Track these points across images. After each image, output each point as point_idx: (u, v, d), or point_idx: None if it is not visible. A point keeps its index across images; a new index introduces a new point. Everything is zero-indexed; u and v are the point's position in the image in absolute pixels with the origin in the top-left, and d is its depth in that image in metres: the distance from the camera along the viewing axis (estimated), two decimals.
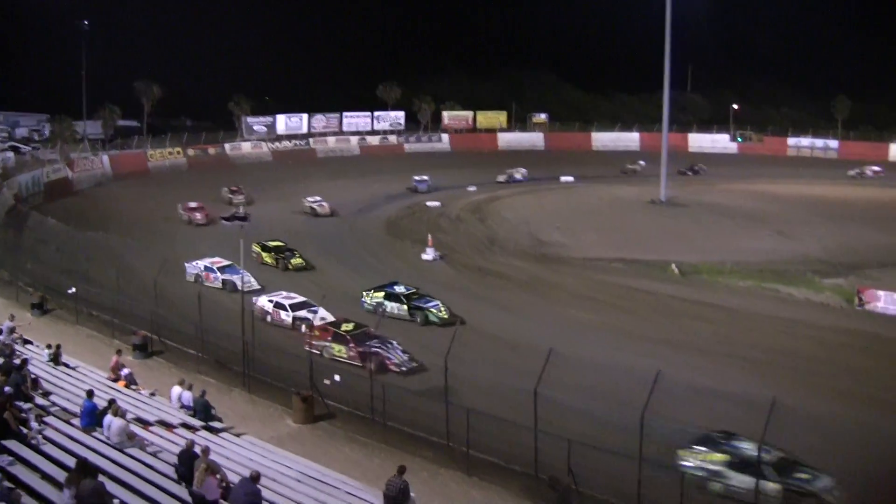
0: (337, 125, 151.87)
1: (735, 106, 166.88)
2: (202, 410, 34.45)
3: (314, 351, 44.39)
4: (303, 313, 51.80)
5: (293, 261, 67.98)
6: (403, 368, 44.24)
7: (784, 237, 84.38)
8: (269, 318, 52.45)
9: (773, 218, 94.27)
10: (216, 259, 63.19)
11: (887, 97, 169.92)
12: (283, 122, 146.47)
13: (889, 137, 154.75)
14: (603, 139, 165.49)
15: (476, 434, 35.04)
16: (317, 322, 49.13)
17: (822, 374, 45.71)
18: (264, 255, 69.27)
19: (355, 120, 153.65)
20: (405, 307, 54.26)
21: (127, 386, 36.77)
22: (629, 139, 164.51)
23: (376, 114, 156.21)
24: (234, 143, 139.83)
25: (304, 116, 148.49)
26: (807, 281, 65.74)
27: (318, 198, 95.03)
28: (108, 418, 27.29)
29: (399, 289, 55.89)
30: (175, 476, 24.78)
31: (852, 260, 73.12)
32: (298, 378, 40.50)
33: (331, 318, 49.80)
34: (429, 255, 71.60)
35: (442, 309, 53.82)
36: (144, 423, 30.73)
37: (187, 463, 24.54)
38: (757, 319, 56.08)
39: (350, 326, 47.43)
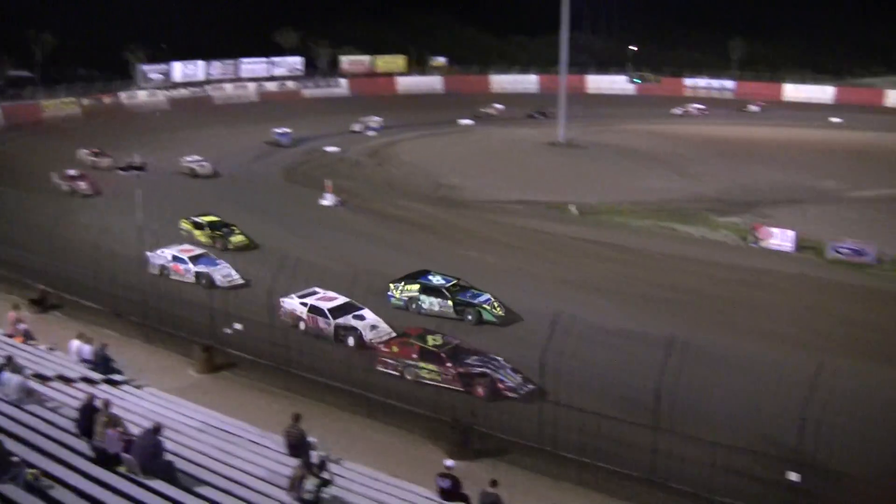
0: (234, 72, 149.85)
1: (633, 47, 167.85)
2: (102, 363, 34.01)
3: (391, 372, 38.15)
4: (347, 320, 42.25)
5: (233, 238, 57.92)
6: (521, 392, 35.84)
7: (680, 176, 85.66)
8: (302, 326, 43.33)
9: (669, 158, 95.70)
10: (186, 247, 53.72)
11: (780, 38, 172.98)
12: (179, 70, 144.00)
13: (782, 77, 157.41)
14: (502, 82, 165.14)
15: (378, 377, 35.28)
16: (367, 332, 41.41)
17: (719, 310, 46.89)
18: (197, 233, 58.98)
19: (253, 66, 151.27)
20: (450, 303, 45.37)
21: (24, 341, 36.15)
22: (528, 81, 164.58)
23: (274, 59, 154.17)
24: (130, 91, 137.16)
25: (201, 63, 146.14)
26: (703, 219, 67.16)
27: (197, 157, 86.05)
28: (6, 375, 26.83)
29: (437, 279, 46.83)
30: (76, 431, 24.52)
31: (746, 198, 74.83)
32: (199, 328, 40.26)
33: (383, 325, 42.22)
34: (327, 200, 70.96)
35: (496, 304, 45.06)
36: (43, 379, 30.24)
37: (88, 417, 24.27)
38: (655, 258, 57.16)
39: (438, 339, 38.49)
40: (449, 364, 36.77)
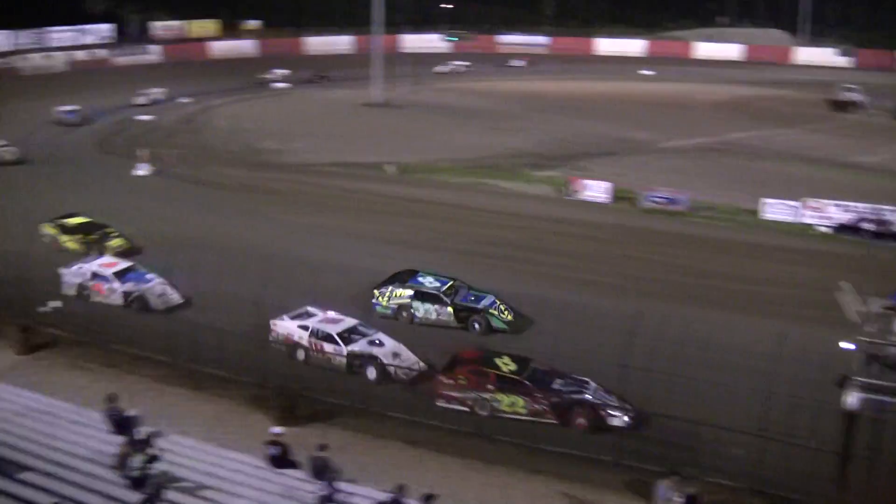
0: (42, 41, 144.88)
1: (447, 5, 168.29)
2: None
3: (459, 408, 32.21)
4: (363, 347, 35.64)
5: (111, 243, 48.44)
6: (627, 420, 30.42)
7: (497, 132, 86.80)
8: (301, 355, 36.70)
9: (486, 114, 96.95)
10: (107, 259, 44.70)
11: None
12: None
13: (594, 32, 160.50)
14: (316, 43, 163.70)
15: (203, 349, 34.88)
16: (388, 360, 34.85)
17: (539, 262, 47.98)
18: (64, 238, 49.26)
19: (62, 35, 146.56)
20: (449, 310, 39.44)
21: None
22: (343, 42, 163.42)
23: (84, 27, 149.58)
24: None
25: (6, 33, 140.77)
26: (520, 174, 68.42)
27: (2, 141, 74.02)
28: None
29: (429, 281, 40.87)
30: None
31: (563, 151, 76.48)
32: (14, 307, 39.02)
33: (406, 352, 35.47)
34: (142, 170, 69.01)
35: (503, 308, 39.49)
36: None
37: None
38: (474, 214, 58.11)
39: (512, 364, 32.68)
40: (538, 394, 31.26)
